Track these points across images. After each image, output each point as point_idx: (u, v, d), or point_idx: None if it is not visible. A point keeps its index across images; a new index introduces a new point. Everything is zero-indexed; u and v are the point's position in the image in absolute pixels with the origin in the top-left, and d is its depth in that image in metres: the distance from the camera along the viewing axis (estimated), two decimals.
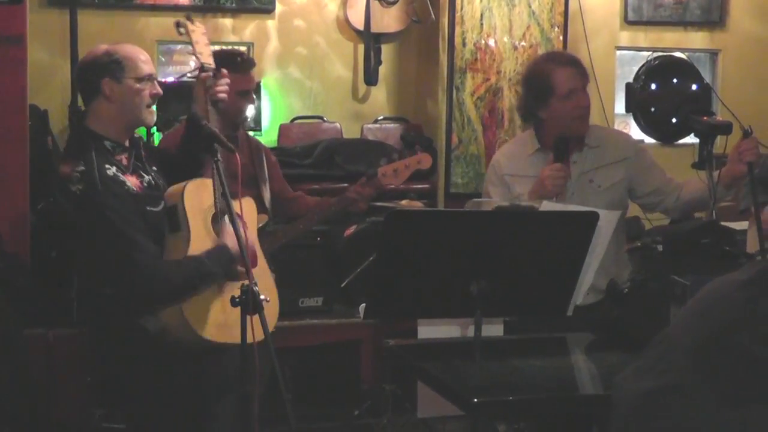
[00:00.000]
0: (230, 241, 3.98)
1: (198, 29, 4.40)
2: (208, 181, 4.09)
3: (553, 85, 4.49)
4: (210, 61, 4.33)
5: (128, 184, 3.99)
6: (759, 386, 1.67)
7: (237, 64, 4.98)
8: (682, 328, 1.87)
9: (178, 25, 4.42)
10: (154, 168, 4.20)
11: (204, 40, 4.40)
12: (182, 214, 4.02)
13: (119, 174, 3.99)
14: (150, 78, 4.10)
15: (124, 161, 4.06)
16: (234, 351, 3.98)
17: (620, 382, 2.01)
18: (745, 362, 1.69)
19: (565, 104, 4.50)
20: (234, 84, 4.93)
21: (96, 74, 4.07)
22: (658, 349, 1.89)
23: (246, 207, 4.11)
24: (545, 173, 4.37)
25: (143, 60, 4.11)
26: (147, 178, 4.10)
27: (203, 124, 4.04)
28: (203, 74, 4.26)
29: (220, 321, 4.01)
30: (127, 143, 4.14)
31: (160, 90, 4.15)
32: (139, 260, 3.89)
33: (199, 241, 4.00)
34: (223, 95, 4.28)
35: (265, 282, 4.13)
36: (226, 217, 4.02)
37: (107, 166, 3.97)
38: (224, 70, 4.35)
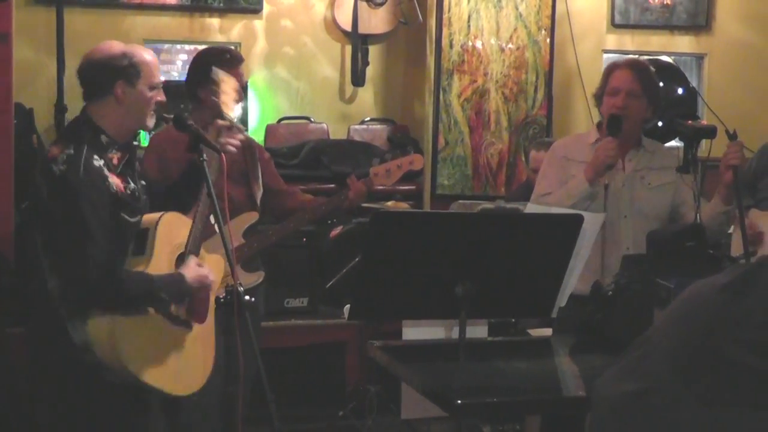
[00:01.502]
0: (190, 276, 3.95)
1: (230, 81, 4.46)
2: (188, 221, 4.09)
3: (608, 81, 4.73)
4: (231, 114, 4.40)
5: (110, 181, 3.95)
6: (739, 389, 1.67)
7: (225, 60, 4.97)
8: (662, 331, 1.87)
9: (211, 72, 4.50)
10: (143, 182, 4.16)
11: (233, 94, 4.46)
12: (151, 240, 3.95)
13: (105, 169, 3.95)
14: (159, 85, 4.07)
15: (115, 160, 3.99)
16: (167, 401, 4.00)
17: (600, 385, 2.01)
18: (725, 365, 1.69)
19: (609, 100, 4.70)
20: None
21: (111, 75, 3.97)
22: (639, 352, 1.89)
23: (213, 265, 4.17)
24: (599, 146, 4.57)
25: (157, 66, 4.08)
26: (132, 185, 4.04)
27: (189, 124, 4.03)
28: (220, 121, 4.29)
29: (161, 364, 3.95)
30: (122, 140, 4.11)
31: (164, 97, 4.12)
32: (92, 255, 3.79)
33: (157, 269, 3.93)
34: (232, 149, 4.30)
35: (204, 340, 4.14)
36: (192, 258, 4.02)
37: (96, 157, 3.89)
38: (241, 127, 4.39)
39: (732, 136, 4.40)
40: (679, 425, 1.71)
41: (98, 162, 3.89)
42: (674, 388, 1.74)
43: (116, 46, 4.03)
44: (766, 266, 1.76)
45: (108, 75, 3.98)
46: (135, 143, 4.20)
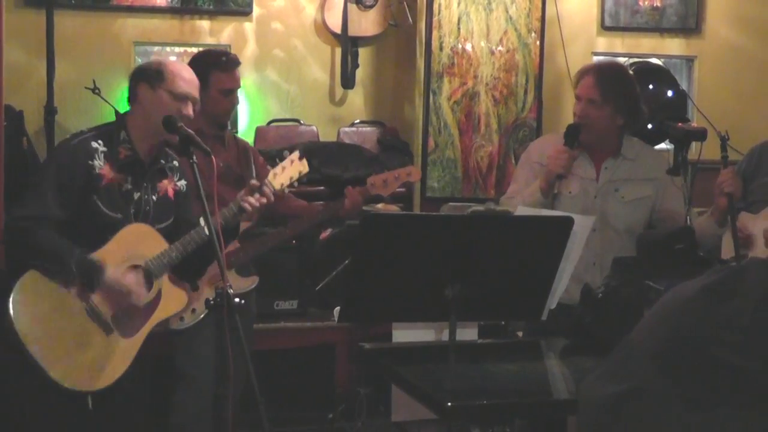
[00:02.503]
0: (111, 270, 4.00)
1: (296, 166, 4.59)
2: (163, 241, 4.16)
3: (575, 86, 4.72)
4: (273, 183, 4.48)
5: (97, 164, 4.07)
6: (721, 389, 1.67)
7: (222, 62, 4.98)
8: (644, 332, 1.87)
9: (290, 152, 4.67)
10: (154, 197, 4.22)
11: (290, 174, 4.56)
12: (109, 234, 4.07)
13: (100, 154, 4.08)
14: (184, 98, 4.14)
15: (122, 154, 4.13)
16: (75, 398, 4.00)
17: (585, 387, 2.02)
18: (706, 366, 1.70)
19: (575, 105, 4.69)
20: (218, 83, 4.93)
21: (137, 79, 4.21)
22: (621, 354, 1.89)
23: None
24: (550, 155, 4.54)
25: (185, 78, 4.19)
26: (130, 188, 4.13)
27: (179, 126, 4.04)
28: (253, 181, 4.39)
29: (52, 341, 3.98)
30: (146, 152, 4.21)
31: (189, 112, 4.19)
32: (30, 205, 4.02)
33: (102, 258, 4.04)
34: (248, 207, 4.36)
35: (122, 354, 4.12)
36: (134, 270, 4.08)
37: (100, 141, 4.11)
38: (267, 191, 4.46)
39: (723, 139, 4.40)
40: (663, 425, 1.71)
41: (97, 145, 4.09)
42: (658, 389, 1.74)
43: (157, 59, 4.33)
44: (749, 269, 1.76)
45: (136, 79, 4.22)
46: (164, 162, 4.27)
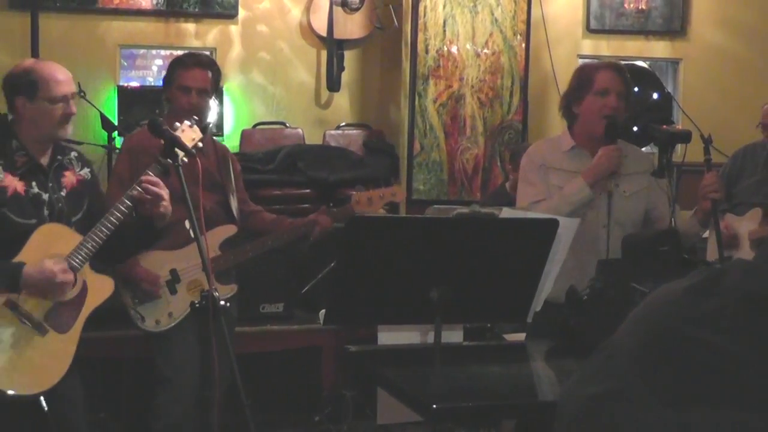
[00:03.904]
0: (33, 268, 3.95)
1: (188, 134, 4.36)
2: (76, 235, 4.10)
3: (593, 80, 4.60)
4: (188, 144, 4.22)
5: None
6: (701, 389, 1.67)
7: (183, 60, 5.02)
8: (625, 333, 1.88)
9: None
10: (63, 194, 4.17)
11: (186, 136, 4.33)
12: (26, 241, 4.03)
13: None
14: (64, 99, 4.12)
15: (19, 162, 4.09)
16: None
17: (565, 389, 2.02)
18: (686, 365, 1.70)
19: (597, 100, 4.58)
20: (177, 79, 4.94)
21: (11, 91, 4.16)
22: (602, 355, 1.90)
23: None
24: (602, 152, 4.50)
25: (60, 80, 4.14)
26: (36, 191, 4.08)
27: (164, 129, 4.02)
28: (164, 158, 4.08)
29: (14, 371, 3.96)
30: (42, 154, 4.16)
31: (73, 110, 4.17)
32: None
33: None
34: (136, 194, 4.14)
35: (59, 351, 4.09)
36: (50, 259, 4.01)
37: None
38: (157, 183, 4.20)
39: (707, 141, 4.41)
40: (644, 426, 1.71)
41: None
42: (637, 389, 1.74)
43: (24, 64, 4.22)
44: (730, 270, 1.76)
45: (9, 91, 4.18)
46: (61, 157, 4.21)
